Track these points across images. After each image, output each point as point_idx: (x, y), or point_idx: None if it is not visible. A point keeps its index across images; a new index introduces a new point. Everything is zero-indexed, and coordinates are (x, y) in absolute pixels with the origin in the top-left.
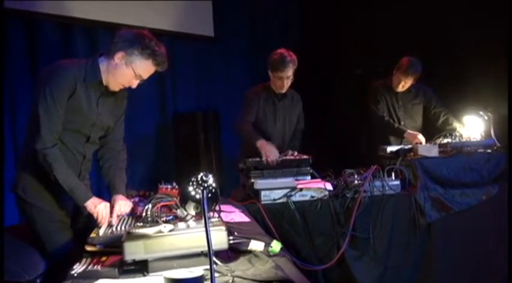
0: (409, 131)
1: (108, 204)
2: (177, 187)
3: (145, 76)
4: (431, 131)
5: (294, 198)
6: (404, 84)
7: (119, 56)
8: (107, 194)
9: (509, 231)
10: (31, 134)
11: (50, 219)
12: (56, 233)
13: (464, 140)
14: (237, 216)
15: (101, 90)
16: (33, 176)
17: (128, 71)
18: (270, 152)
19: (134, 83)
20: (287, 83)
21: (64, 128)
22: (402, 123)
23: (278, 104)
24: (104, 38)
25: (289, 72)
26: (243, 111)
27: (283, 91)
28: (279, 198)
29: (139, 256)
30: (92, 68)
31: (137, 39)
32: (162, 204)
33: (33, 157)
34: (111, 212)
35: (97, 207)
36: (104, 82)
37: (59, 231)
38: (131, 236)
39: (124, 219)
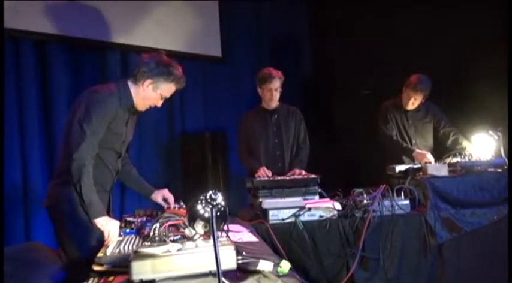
0: (417, 150)
1: (118, 223)
2: (184, 206)
3: (168, 96)
4: (440, 150)
5: (302, 218)
6: (414, 101)
7: (147, 84)
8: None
9: (509, 231)
10: (70, 148)
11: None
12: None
13: (474, 159)
14: (245, 235)
15: (130, 111)
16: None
17: (155, 95)
18: (260, 171)
19: (159, 103)
20: (276, 95)
21: (101, 147)
22: (413, 141)
23: (270, 119)
24: (114, 59)
25: (277, 83)
26: (239, 140)
27: (274, 104)
28: (287, 218)
29: (147, 276)
30: (125, 94)
31: (162, 69)
32: (169, 223)
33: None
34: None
35: (108, 224)
36: (135, 105)
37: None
38: (139, 255)
39: (131, 239)
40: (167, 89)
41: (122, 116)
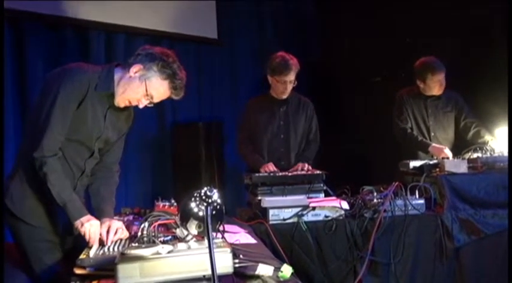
0: (434, 144)
1: (99, 223)
2: (175, 204)
3: (157, 99)
4: (460, 144)
5: (305, 218)
6: (442, 82)
7: (135, 69)
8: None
9: (509, 230)
10: (30, 139)
11: (39, 237)
12: (46, 253)
13: (496, 154)
14: (242, 237)
15: (110, 102)
16: (25, 187)
17: (140, 87)
18: (267, 167)
19: (142, 103)
20: (289, 88)
21: (68, 139)
22: (432, 133)
23: (278, 111)
24: (98, 40)
25: (292, 76)
26: (239, 130)
27: (285, 96)
28: (289, 218)
29: (135, 280)
30: (106, 77)
31: (160, 56)
32: (159, 222)
33: (28, 165)
34: (107, 237)
35: (84, 226)
36: (116, 94)
37: (49, 251)
38: (125, 258)
39: (117, 239)
40: (157, 85)
41: (96, 103)
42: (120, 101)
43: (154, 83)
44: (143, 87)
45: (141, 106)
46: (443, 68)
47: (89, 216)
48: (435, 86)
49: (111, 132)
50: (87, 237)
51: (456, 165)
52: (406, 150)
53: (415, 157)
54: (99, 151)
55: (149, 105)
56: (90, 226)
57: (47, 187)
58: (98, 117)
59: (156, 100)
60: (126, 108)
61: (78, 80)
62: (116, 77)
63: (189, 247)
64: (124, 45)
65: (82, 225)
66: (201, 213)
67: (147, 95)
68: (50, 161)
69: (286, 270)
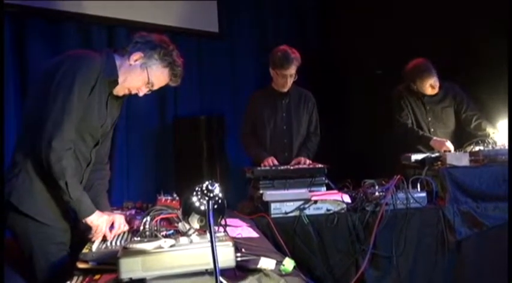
0: (435, 138)
1: (109, 218)
2: (177, 198)
3: (157, 86)
4: (462, 137)
5: (307, 212)
6: (433, 84)
7: (136, 57)
8: None
9: (509, 231)
10: (40, 131)
11: (50, 240)
12: (56, 256)
13: (498, 147)
14: (244, 231)
15: (110, 89)
16: (35, 182)
17: (141, 75)
18: (267, 161)
19: (142, 91)
20: (290, 82)
21: (77, 129)
22: (432, 129)
23: (280, 103)
24: (100, 35)
25: (293, 69)
26: (243, 124)
27: (286, 89)
28: (291, 211)
29: (137, 274)
30: (108, 64)
31: (160, 44)
32: (161, 216)
33: (34, 159)
34: (110, 231)
35: (98, 220)
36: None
37: (59, 253)
38: (128, 252)
39: (119, 233)
40: (158, 73)
41: (102, 91)
42: (120, 89)
43: (155, 71)
44: (145, 75)
45: (141, 94)
46: (432, 72)
47: (99, 213)
48: (426, 89)
49: (110, 121)
50: (98, 232)
51: (458, 158)
52: (407, 146)
53: (415, 152)
54: None
55: (147, 93)
56: (99, 223)
57: (64, 182)
58: (102, 105)
59: (155, 88)
60: (122, 96)
61: (92, 66)
62: (117, 64)
63: (191, 241)
64: (125, 40)
65: (97, 219)
66: (202, 207)
67: (148, 83)
68: (68, 156)
69: (288, 264)
